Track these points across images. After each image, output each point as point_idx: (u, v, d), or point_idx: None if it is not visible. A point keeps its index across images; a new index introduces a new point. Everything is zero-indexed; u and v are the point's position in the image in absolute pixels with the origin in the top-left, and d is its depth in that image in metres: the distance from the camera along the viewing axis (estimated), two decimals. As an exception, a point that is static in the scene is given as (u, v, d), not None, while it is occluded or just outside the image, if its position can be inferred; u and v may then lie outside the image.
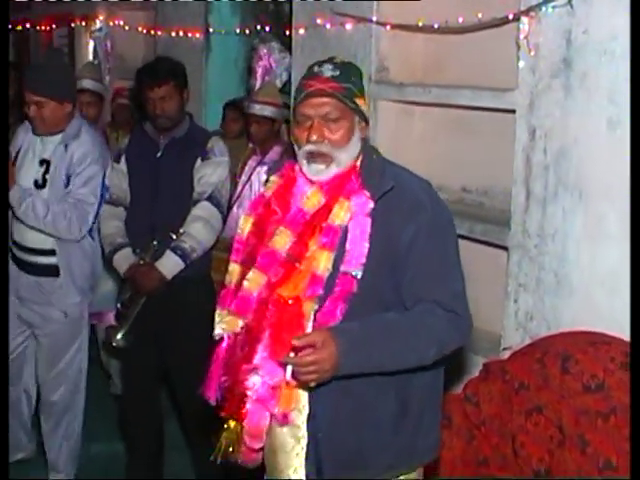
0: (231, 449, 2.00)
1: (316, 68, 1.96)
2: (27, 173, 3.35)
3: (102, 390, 4.01)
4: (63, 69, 3.53)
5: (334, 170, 1.95)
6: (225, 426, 2.00)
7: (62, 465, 3.63)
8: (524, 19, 2.84)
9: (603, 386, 2.47)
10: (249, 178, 4.24)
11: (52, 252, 3.40)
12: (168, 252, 3.28)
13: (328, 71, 1.94)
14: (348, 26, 3.63)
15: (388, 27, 3.50)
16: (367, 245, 1.89)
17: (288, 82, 4.99)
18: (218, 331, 2.06)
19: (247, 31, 5.54)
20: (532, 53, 2.82)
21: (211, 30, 5.73)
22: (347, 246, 1.90)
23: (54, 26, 8.16)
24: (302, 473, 1.99)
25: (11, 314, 3.46)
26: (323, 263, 1.89)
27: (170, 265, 3.28)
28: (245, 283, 1.98)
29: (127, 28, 6.67)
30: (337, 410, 1.94)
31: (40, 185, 3.36)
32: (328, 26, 3.73)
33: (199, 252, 3.32)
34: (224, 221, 3.48)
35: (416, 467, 2.09)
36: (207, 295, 3.43)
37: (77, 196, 3.33)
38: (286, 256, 1.94)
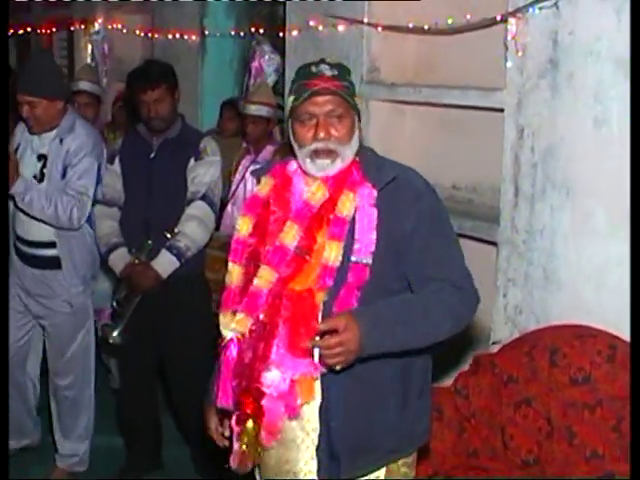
0: (247, 450, 1.97)
1: (314, 68, 1.99)
2: (26, 168, 3.39)
3: (102, 384, 4.03)
4: (51, 68, 3.55)
5: (339, 165, 1.98)
6: (240, 429, 1.96)
7: (71, 451, 3.66)
8: (512, 20, 2.88)
9: (590, 379, 2.52)
10: (243, 177, 4.28)
11: (53, 244, 3.44)
12: (163, 251, 3.32)
13: (327, 70, 1.97)
14: (340, 28, 3.67)
15: (379, 28, 3.54)
16: (375, 234, 1.93)
17: (277, 83, 5.05)
18: (229, 334, 2.01)
19: (242, 33, 5.59)
20: (520, 54, 2.86)
21: (207, 32, 5.78)
22: (356, 235, 1.93)
23: (54, 30, 8.17)
24: (313, 465, 2.00)
25: (19, 305, 3.54)
26: (334, 253, 1.92)
27: (165, 264, 3.32)
28: (255, 280, 1.97)
29: (125, 31, 6.70)
30: (350, 396, 1.95)
31: (39, 179, 3.40)
32: (321, 28, 3.77)
33: (193, 250, 3.35)
34: (217, 219, 3.51)
35: (412, 451, 2.12)
36: (201, 293, 3.50)
37: (75, 187, 3.37)
38: (295, 250, 1.96)
